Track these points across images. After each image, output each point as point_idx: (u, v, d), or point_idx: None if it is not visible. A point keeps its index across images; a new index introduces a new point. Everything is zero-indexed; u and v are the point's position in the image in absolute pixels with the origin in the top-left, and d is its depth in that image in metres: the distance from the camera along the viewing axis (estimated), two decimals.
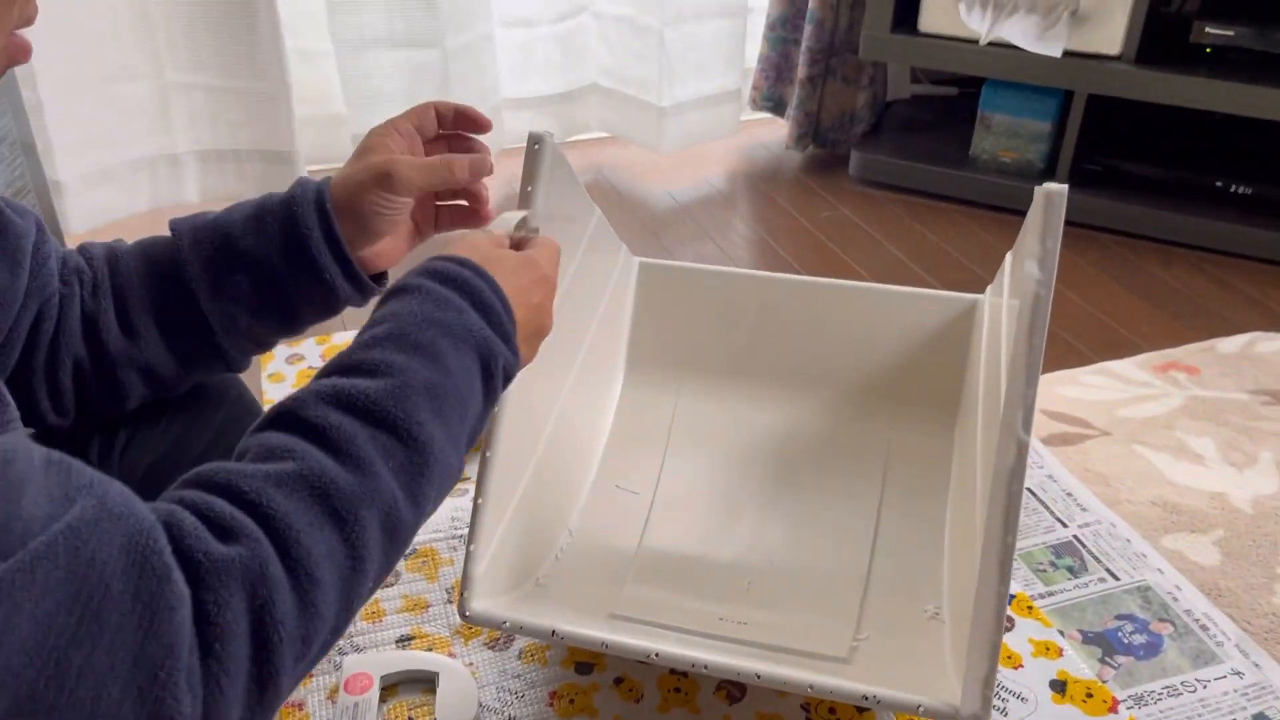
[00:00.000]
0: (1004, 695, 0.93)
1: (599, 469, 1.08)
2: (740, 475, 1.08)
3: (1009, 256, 0.96)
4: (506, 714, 0.91)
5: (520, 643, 0.98)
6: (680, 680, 0.94)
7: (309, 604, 0.47)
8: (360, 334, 0.59)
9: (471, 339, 0.59)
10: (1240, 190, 1.77)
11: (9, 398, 0.46)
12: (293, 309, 0.74)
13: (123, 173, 1.69)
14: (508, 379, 0.63)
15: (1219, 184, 1.78)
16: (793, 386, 1.12)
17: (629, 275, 1.13)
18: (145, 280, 0.73)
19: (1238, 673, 0.96)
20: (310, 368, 1.40)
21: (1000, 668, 0.95)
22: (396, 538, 0.52)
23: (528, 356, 0.68)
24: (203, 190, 1.78)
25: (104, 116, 1.63)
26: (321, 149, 1.98)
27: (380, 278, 0.78)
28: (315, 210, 0.72)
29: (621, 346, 1.14)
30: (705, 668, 0.77)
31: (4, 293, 0.66)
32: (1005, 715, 0.91)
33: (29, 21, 0.53)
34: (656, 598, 0.93)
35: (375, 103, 1.79)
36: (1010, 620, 1.01)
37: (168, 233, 0.75)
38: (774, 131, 2.24)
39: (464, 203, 0.82)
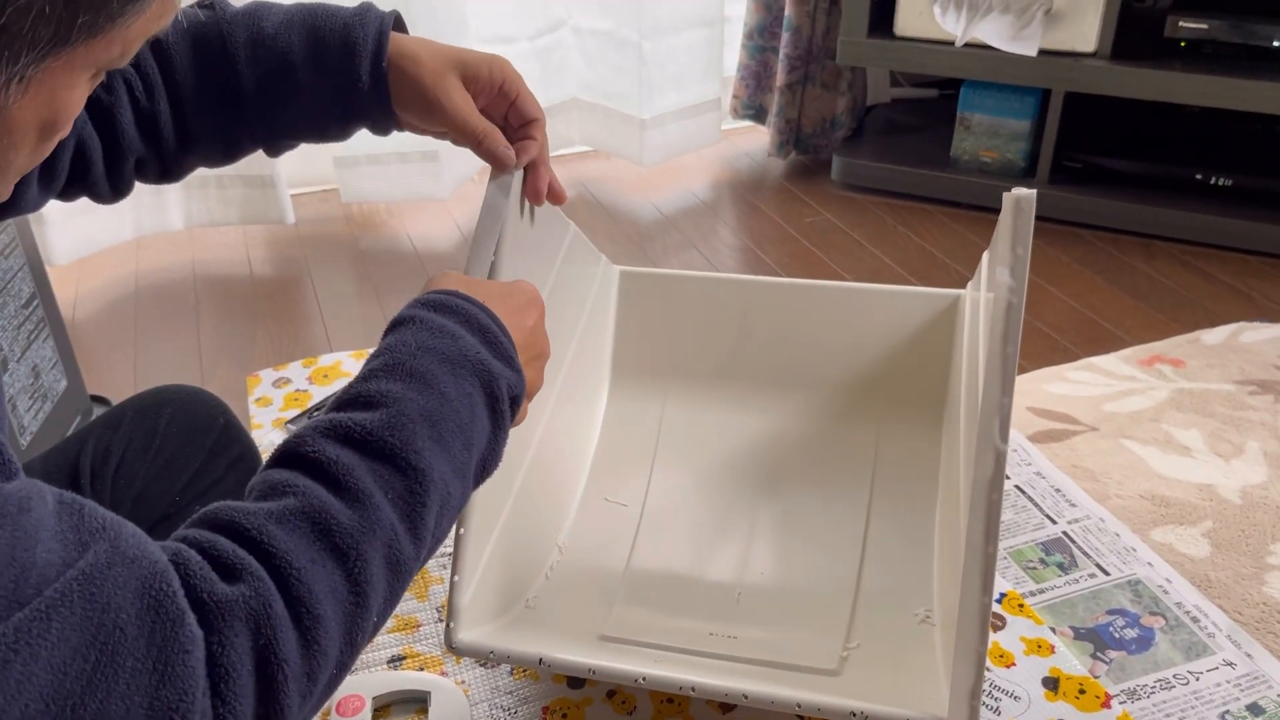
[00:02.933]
0: (997, 694, 0.93)
1: (587, 483, 1.07)
2: (728, 483, 1.08)
3: (986, 255, 0.97)
4: None
5: None
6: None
7: (312, 641, 0.46)
8: (360, 370, 0.59)
9: (469, 364, 0.58)
10: (1220, 182, 1.78)
11: (9, 453, 0.45)
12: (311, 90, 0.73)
13: None
14: (514, 402, 0.62)
15: (1199, 176, 1.79)
16: (779, 389, 1.12)
17: (610, 285, 1.13)
18: (198, 81, 0.72)
19: (1230, 663, 0.96)
20: (297, 390, 1.40)
21: (993, 666, 0.96)
22: (399, 571, 0.51)
23: (534, 380, 0.67)
24: (187, 216, 1.78)
25: None
26: (302, 172, 1.99)
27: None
28: (375, 38, 0.72)
29: (606, 357, 1.15)
30: (693, 690, 0.77)
31: None
32: (998, 715, 0.91)
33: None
34: (646, 617, 0.93)
35: None
36: (1001, 619, 1.01)
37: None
38: (756, 139, 2.25)
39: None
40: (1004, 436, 0.72)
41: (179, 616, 0.42)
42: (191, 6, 0.74)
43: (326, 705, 0.93)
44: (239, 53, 0.71)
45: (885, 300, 1.09)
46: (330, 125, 0.75)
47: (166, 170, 0.76)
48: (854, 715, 0.74)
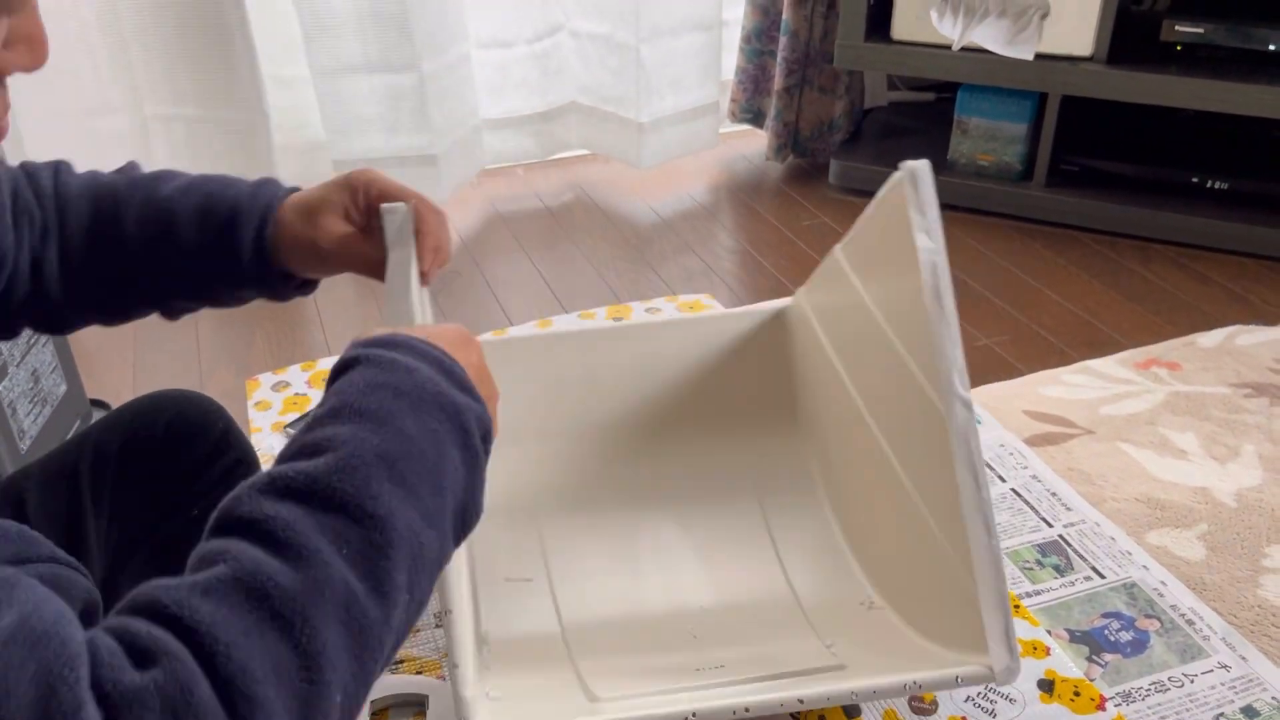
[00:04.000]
0: (992, 696, 0.93)
1: (477, 569, 0.99)
2: (623, 530, 1.08)
3: (838, 248, 1.02)
4: None
5: None
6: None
7: None
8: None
9: (429, 397, 0.51)
10: (1216, 185, 1.78)
11: None
12: (210, 287, 0.76)
13: None
14: (485, 437, 0.55)
15: (1195, 180, 1.79)
16: (640, 429, 1.15)
17: None
18: (87, 234, 0.74)
19: (1225, 666, 0.96)
20: (297, 394, 1.40)
21: None
22: (366, 639, 0.44)
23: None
24: None
25: (84, 150, 1.64)
26: (302, 175, 1.99)
27: (309, 285, 0.80)
28: (256, 225, 0.74)
29: None
30: (747, 710, 0.75)
31: None
32: (994, 716, 0.92)
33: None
34: (622, 673, 0.89)
35: (354, 128, 1.80)
36: None
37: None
38: (754, 143, 2.25)
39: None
40: (965, 386, 0.77)
41: (73, 709, 0.37)
42: (111, 172, 0.76)
43: None
44: (129, 212, 0.73)
45: (713, 326, 1.15)
46: (219, 290, 0.77)
47: (54, 321, 0.76)
48: (906, 686, 0.77)
